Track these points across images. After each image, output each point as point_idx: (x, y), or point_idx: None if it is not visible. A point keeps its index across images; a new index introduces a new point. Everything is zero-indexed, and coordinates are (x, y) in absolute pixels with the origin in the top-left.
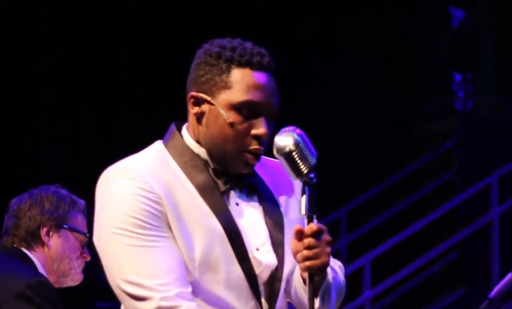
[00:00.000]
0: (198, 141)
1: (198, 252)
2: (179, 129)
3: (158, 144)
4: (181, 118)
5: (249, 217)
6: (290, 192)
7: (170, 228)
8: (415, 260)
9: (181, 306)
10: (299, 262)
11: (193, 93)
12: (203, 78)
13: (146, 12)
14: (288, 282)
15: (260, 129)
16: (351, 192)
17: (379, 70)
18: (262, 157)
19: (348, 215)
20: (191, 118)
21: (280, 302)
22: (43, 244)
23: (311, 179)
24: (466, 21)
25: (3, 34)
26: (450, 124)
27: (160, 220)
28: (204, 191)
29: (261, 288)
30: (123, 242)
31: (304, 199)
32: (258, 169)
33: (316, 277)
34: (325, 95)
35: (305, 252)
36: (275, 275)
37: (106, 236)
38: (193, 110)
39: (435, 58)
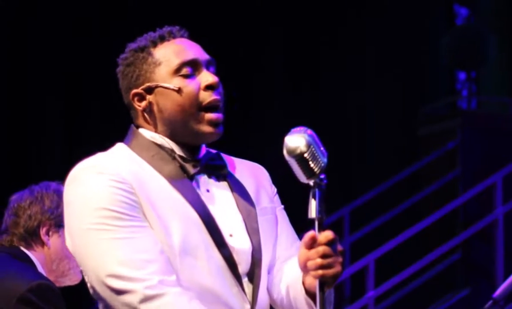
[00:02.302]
0: (160, 134)
1: (176, 239)
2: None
3: (120, 145)
4: None
5: (221, 203)
6: (257, 184)
7: (146, 217)
8: (419, 260)
9: (166, 292)
10: (310, 270)
11: (133, 91)
12: (133, 77)
13: (148, 11)
14: (269, 275)
15: (208, 79)
16: (354, 191)
17: (383, 70)
18: (225, 155)
19: (352, 214)
20: (142, 117)
21: (263, 291)
22: (42, 243)
23: (321, 180)
24: (470, 19)
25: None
26: (454, 124)
27: (136, 209)
28: (175, 181)
29: (243, 275)
30: (103, 236)
31: (314, 201)
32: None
33: (326, 287)
34: (329, 95)
35: (319, 261)
36: (254, 261)
37: (83, 235)
38: (140, 107)
39: (439, 57)
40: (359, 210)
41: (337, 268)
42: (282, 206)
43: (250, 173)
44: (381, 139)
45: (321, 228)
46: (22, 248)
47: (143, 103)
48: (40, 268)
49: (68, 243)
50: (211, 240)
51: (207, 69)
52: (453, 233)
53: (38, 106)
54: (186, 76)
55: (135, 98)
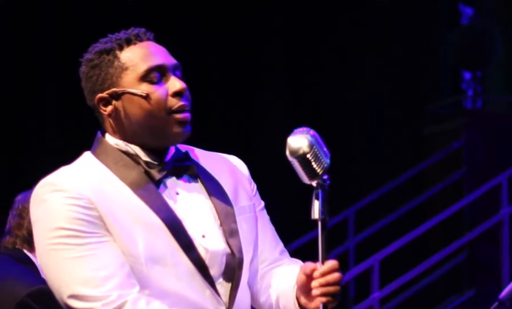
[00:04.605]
0: (125, 140)
1: (141, 248)
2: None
3: (86, 154)
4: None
5: (192, 204)
6: (235, 180)
7: (108, 231)
8: (424, 261)
9: (126, 301)
10: (317, 295)
11: (99, 95)
12: (99, 80)
13: (149, 9)
14: (254, 278)
15: (175, 85)
16: (359, 192)
17: (388, 69)
18: (201, 150)
19: (357, 215)
20: (108, 121)
21: (243, 293)
22: None
23: (324, 181)
24: (475, 18)
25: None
26: (460, 123)
27: (95, 225)
28: (138, 188)
29: (219, 276)
30: (62, 256)
31: (317, 202)
32: (198, 160)
33: (328, 306)
34: (333, 95)
35: (331, 288)
36: (232, 262)
37: (44, 255)
38: (106, 111)
39: (444, 56)
40: (364, 211)
41: (339, 296)
42: (263, 204)
43: (228, 169)
44: (386, 140)
45: (324, 229)
46: (25, 251)
47: (109, 108)
48: (42, 271)
49: (39, 262)
50: (177, 245)
51: (174, 74)
52: (459, 234)
53: (38, 104)
54: (153, 82)
55: (100, 103)
